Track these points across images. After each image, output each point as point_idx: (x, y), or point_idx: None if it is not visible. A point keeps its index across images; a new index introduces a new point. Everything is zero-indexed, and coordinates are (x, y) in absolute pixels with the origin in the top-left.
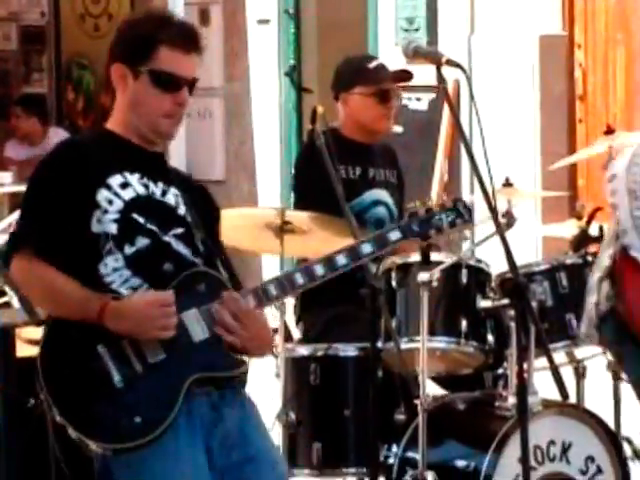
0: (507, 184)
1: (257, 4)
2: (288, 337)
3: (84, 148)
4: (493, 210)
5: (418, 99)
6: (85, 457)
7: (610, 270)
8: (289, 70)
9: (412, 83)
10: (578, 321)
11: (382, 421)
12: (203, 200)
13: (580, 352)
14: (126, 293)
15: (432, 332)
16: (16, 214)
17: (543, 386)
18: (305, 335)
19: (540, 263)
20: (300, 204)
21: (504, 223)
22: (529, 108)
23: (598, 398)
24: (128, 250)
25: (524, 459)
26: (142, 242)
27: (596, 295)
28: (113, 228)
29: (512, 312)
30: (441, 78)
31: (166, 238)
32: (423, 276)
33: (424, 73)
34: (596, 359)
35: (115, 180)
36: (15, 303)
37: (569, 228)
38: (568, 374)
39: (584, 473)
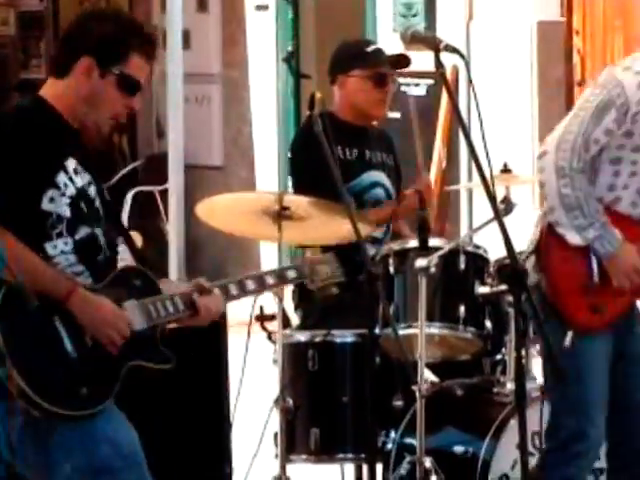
0: (505, 170)
1: None
2: (286, 323)
3: (49, 121)
4: (491, 196)
5: (416, 85)
6: None
7: (537, 245)
8: (287, 56)
9: (410, 69)
10: None
11: (380, 407)
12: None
13: None
14: None
15: (430, 318)
16: None
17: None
18: (303, 321)
19: None
20: (299, 188)
21: (502, 209)
22: (527, 94)
23: None
24: (77, 236)
25: (522, 445)
26: (85, 231)
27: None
28: (67, 211)
29: (510, 298)
30: (439, 64)
31: (96, 230)
32: (421, 262)
33: (422, 59)
34: None
35: (70, 164)
36: None
37: None
38: None
39: None
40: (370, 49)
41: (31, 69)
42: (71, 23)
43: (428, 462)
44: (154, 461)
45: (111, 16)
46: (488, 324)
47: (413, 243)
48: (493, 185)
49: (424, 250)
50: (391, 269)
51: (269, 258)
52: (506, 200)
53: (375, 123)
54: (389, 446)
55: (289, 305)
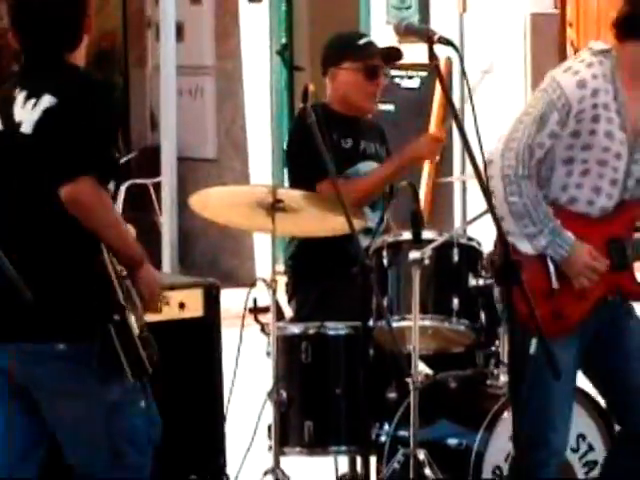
0: None
1: None
2: (280, 316)
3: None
4: (484, 188)
5: (410, 77)
6: None
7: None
8: (281, 48)
9: (404, 61)
10: None
11: (373, 399)
12: None
13: None
14: None
15: (424, 310)
16: None
17: None
18: (297, 313)
19: None
20: (295, 182)
21: None
22: (521, 86)
23: None
24: None
25: (515, 437)
26: None
27: None
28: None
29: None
30: (433, 56)
31: None
32: (414, 254)
33: (416, 51)
34: None
35: None
36: None
37: None
38: None
39: (575, 451)
40: (361, 42)
41: None
42: None
43: (422, 454)
44: None
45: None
46: (481, 316)
47: (407, 235)
48: (487, 177)
49: (417, 242)
50: (385, 261)
51: (263, 250)
52: None
53: (369, 116)
54: (383, 438)
55: (284, 297)
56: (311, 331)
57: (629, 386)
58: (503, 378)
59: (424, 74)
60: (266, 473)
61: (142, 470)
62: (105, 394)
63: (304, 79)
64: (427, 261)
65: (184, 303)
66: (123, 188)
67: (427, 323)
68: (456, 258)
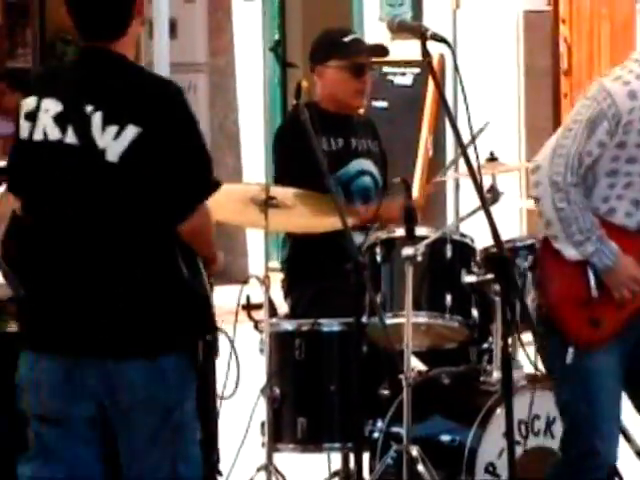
0: (492, 158)
1: None
2: (273, 312)
3: None
4: (478, 185)
5: (403, 74)
6: None
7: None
8: (273, 45)
9: (397, 58)
10: None
11: (367, 396)
12: None
13: None
14: None
15: (417, 307)
16: (2, 188)
17: (527, 361)
18: (292, 310)
19: (524, 238)
20: (280, 178)
21: (489, 198)
22: (514, 83)
23: None
24: None
25: (509, 433)
26: None
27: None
28: None
29: (497, 287)
30: (426, 53)
31: None
32: (408, 251)
33: (409, 48)
34: None
35: None
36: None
37: None
38: None
39: None
40: (347, 39)
41: (17, 58)
42: None
43: (415, 451)
44: None
45: None
46: (475, 313)
47: (400, 232)
48: (480, 174)
49: (411, 239)
50: (378, 258)
51: (256, 247)
52: (492, 189)
53: (361, 111)
54: (376, 435)
55: (277, 294)
56: (304, 328)
57: None
58: (496, 374)
59: (417, 71)
60: (259, 469)
61: None
62: (177, 411)
63: (297, 75)
64: (420, 257)
65: None
66: None
67: (420, 319)
68: (449, 254)
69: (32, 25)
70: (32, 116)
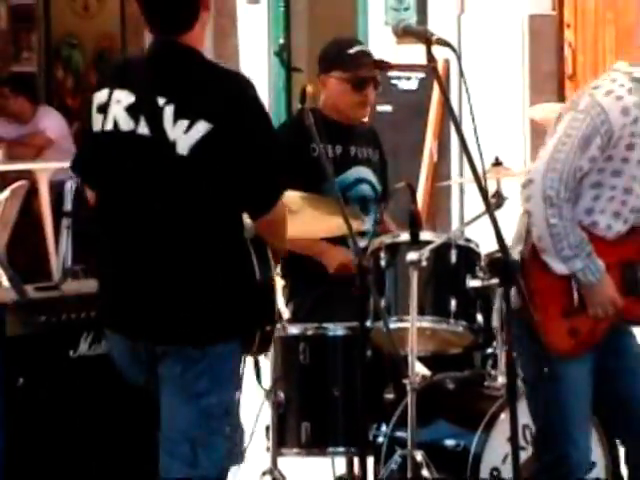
0: (497, 163)
1: None
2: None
3: None
4: (483, 190)
5: (408, 78)
6: None
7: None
8: (279, 49)
9: (402, 62)
10: None
11: (371, 400)
12: None
13: None
14: None
15: (421, 312)
16: (6, 192)
17: None
18: (294, 315)
19: None
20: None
21: (494, 203)
22: (519, 87)
23: None
24: None
25: (513, 438)
26: None
27: None
28: None
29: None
30: (431, 57)
31: None
32: (412, 256)
33: (414, 52)
34: None
35: None
36: (5, 282)
37: None
38: None
39: None
40: (352, 51)
41: (22, 62)
42: None
43: (419, 456)
44: (144, 453)
45: None
46: (479, 317)
47: (404, 236)
48: (485, 179)
49: (415, 243)
50: (382, 262)
51: None
52: (497, 194)
53: (366, 118)
54: (380, 439)
55: (280, 298)
56: (309, 332)
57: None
58: (501, 379)
59: (422, 75)
60: (264, 474)
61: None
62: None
63: (302, 80)
64: (425, 262)
65: None
66: None
67: (425, 324)
68: (454, 259)
69: (37, 29)
70: (104, 108)
